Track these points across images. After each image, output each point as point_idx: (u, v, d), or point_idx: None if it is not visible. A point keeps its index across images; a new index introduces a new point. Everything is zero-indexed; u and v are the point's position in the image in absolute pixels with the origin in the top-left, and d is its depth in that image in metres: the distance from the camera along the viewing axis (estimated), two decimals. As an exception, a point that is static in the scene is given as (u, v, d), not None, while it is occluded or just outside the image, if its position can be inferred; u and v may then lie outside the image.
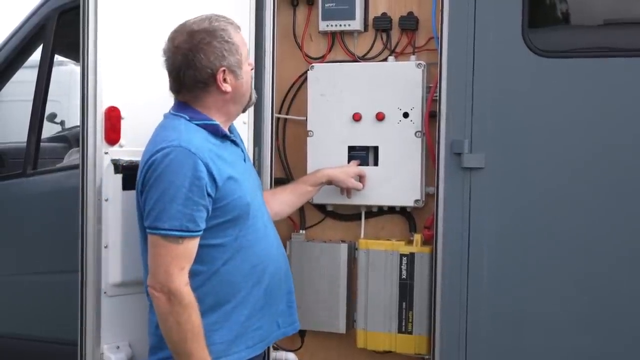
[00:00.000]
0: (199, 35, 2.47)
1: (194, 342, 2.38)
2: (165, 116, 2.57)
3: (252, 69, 2.64)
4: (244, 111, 2.68)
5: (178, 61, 2.48)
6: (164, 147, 2.39)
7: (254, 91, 2.65)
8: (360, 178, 3.12)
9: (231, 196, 2.46)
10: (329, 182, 3.09)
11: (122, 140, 2.76)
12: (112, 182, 2.72)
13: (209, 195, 2.40)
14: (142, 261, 2.53)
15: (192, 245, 2.41)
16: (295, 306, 2.79)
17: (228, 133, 2.56)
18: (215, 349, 2.47)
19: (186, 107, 2.54)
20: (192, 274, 2.44)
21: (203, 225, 2.41)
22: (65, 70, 6.68)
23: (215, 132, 2.51)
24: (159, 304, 2.39)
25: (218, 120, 2.55)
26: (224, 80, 2.50)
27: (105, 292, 2.73)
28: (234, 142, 2.59)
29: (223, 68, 2.48)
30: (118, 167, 2.72)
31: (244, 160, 2.64)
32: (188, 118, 2.51)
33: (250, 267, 2.54)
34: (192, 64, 2.46)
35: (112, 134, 2.74)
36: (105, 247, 2.72)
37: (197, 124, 2.50)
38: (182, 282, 2.38)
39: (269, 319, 2.64)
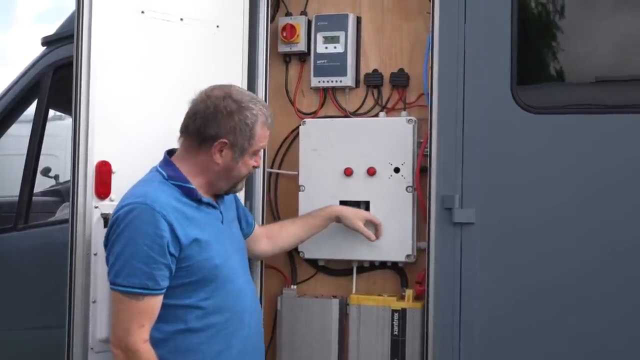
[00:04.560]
0: (230, 102, 2.50)
1: None
2: (150, 169, 2.58)
3: (254, 167, 2.64)
4: (226, 194, 2.65)
5: (198, 108, 2.52)
6: (129, 204, 2.42)
7: (242, 184, 2.67)
8: (377, 229, 3.09)
9: (196, 258, 2.45)
10: (338, 220, 3.06)
11: (112, 195, 2.76)
12: (102, 237, 2.69)
13: (171, 254, 2.39)
14: None
15: (153, 303, 2.40)
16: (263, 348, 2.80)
17: (203, 198, 2.54)
18: None
19: (170, 164, 2.56)
20: (158, 333, 2.44)
21: (165, 284, 2.40)
22: (62, 124, 6.71)
23: (189, 194, 2.51)
24: None
25: (199, 182, 2.55)
26: (220, 150, 2.51)
27: (92, 348, 2.70)
28: (211, 205, 2.58)
29: (226, 141, 2.50)
30: (108, 221, 2.70)
31: (222, 222, 2.62)
32: (166, 176, 2.51)
33: (219, 329, 2.52)
34: (206, 118, 2.50)
35: (103, 188, 2.75)
36: (94, 302, 2.70)
37: (173, 183, 2.50)
38: (140, 339, 2.37)
39: None
